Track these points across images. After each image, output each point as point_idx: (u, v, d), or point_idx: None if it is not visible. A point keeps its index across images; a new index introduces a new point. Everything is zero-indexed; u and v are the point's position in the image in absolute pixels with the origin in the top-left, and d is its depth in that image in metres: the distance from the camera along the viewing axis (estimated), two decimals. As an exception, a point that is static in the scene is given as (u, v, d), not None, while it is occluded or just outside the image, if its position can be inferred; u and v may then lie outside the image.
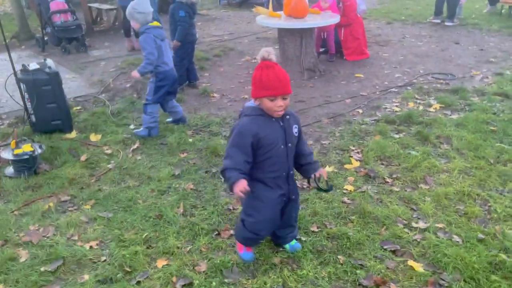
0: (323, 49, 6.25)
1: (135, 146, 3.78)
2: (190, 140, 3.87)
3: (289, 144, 2.12)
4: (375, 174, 3.20)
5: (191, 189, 3.11)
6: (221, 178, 3.22)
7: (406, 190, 3.00)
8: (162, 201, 2.96)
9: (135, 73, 3.71)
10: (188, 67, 5.11)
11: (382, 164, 3.37)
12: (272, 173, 2.13)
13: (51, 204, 2.95)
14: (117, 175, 3.33)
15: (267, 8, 5.82)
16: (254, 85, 2.01)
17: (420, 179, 3.12)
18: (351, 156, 3.46)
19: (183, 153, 3.65)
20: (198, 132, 4.06)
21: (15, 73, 3.77)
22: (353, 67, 5.83)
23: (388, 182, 3.12)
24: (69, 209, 2.94)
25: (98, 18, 9.42)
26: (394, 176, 3.19)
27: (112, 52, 7.10)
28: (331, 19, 5.45)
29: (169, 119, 4.22)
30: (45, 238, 2.62)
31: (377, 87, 5.09)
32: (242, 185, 1.96)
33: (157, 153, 3.67)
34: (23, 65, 3.85)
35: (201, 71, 5.95)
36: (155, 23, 3.71)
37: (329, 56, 6.17)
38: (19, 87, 3.85)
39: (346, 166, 3.34)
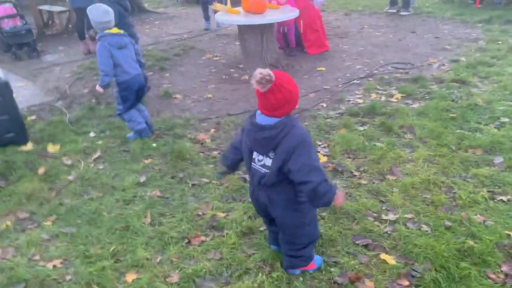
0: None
1: (96, 155, 3.63)
2: (154, 144, 3.76)
3: None
4: (343, 168, 3.21)
5: (158, 196, 3.02)
6: (188, 183, 3.14)
7: (374, 183, 3.03)
8: (128, 211, 2.85)
9: (98, 87, 3.60)
10: None
11: (349, 157, 3.39)
12: None
13: (9, 223, 2.78)
14: (78, 187, 3.18)
15: (225, 4, 5.74)
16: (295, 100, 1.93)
17: (386, 171, 3.16)
18: (318, 152, 3.46)
19: (147, 159, 3.54)
20: (161, 136, 3.94)
21: (-40, 86, 3.54)
22: (315, 61, 5.85)
23: (356, 175, 3.14)
24: (29, 227, 2.78)
25: (50, 21, 9.02)
26: (362, 169, 3.21)
27: (67, 56, 6.81)
28: (290, 13, 5.43)
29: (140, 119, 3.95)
30: (5, 260, 2.47)
31: (339, 79, 5.13)
32: (342, 194, 1.94)
33: (120, 161, 3.54)
34: (-31, 76, 3.61)
35: (161, 71, 5.81)
36: (114, 30, 3.53)
37: (290, 50, 6.16)
38: (-34, 100, 3.61)
39: (314, 162, 3.33)
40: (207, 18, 8.17)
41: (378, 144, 3.52)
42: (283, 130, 1.88)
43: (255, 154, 2.04)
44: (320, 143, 3.61)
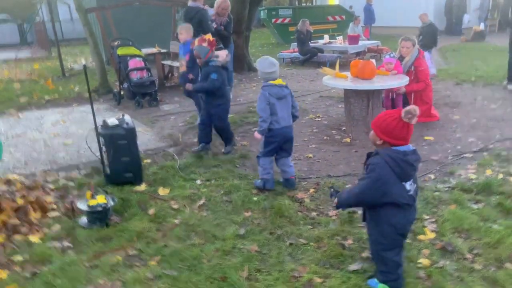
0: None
1: (201, 202, 3.82)
2: (255, 198, 3.85)
3: None
4: (453, 249, 2.96)
5: (255, 251, 3.05)
6: (286, 241, 3.14)
7: (490, 269, 2.73)
8: (227, 262, 2.91)
9: (256, 134, 3.91)
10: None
11: (461, 237, 3.12)
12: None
13: (120, 258, 3.00)
14: (183, 231, 3.35)
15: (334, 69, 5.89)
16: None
17: (505, 258, 2.84)
18: (425, 226, 3.25)
19: (247, 212, 3.63)
20: (262, 190, 4.04)
21: (96, 129, 4.04)
22: (422, 129, 5.64)
23: (468, 258, 2.87)
24: (136, 264, 2.97)
25: (169, 74, 10.04)
26: (475, 252, 2.93)
27: (182, 107, 7.46)
28: (400, 81, 5.39)
29: (281, 178, 4.15)
30: (112, 293, 2.64)
31: (449, 151, 4.86)
32: None
33: (222, 211, 3.67)
34: (103, 121, 4.11)
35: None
36: (277, 81, 3.81)
37: (397, 117, 6.03)
38: (98, 141, 4.10)
39: (420, 237, 3.13)
40: None
41: (495, 226, 3.20)
42: None
43: (408, 185, 2.35)
44: (427, 217, 3.39)
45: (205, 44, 4.61)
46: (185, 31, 5.86)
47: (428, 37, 9.48)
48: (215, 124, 4.93)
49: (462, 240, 3.08)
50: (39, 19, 20.95)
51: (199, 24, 6.69)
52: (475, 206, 3.53)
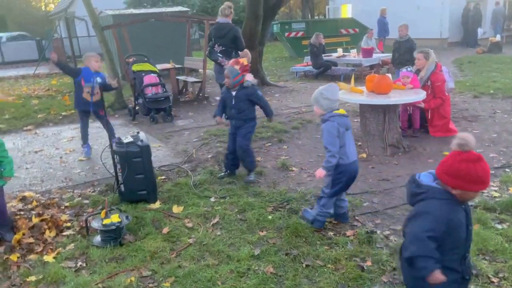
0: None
1: (215, 221, 3.77)
2: (270, 217, 3.78)
3: (470, 227, 2.09)
4: (477, 271, 2.84)
5: (271, 273, 2.97)
6: (302, 263, 3.06)
7: (517, 294, 2.61)
8: (242, 285, 2.84)
9: (320, 172, 3.33)
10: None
11: (485, 259, 3.00)
12: (451, 256, 2.05)
13: (133, 279, 2.95)
14: (197, 251, 3.29)
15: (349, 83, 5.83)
16: (464, 179, 1.95)
17: (534, 282, 2.71)
18: (447, 247, 3.13)
19: (262, 231, 3.56)
20: (277, 208, 3.97)
21: (111, 146, 4.04)
22: (440, 144, 5.52)
23: (493, 282, 2.75)
24: (150, 285, 2.92)
25: (184, 90, 10.10)
26: (501, 275, 2.81)
27: (196, 122, 7.46)
28: (416, 96, 5.30)
29: (331, 211, 3.66)
30: (125, 316, 2.59)
31: (469, 167, 4.72)
32: (439, 277, 1.95)
33: (236, 230, 3.61)
34: (118, 138, 4.12)
35: (279, 143, 6.00)
36: (341, 111, 3.41)
37: (413, 130, 5.93)
38: (113, 159, 4.09)
39: (442, 258, 3.01)
40: None
41: (521, 247, 3.07)
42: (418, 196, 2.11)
43: None
44: (449, 238, 3.27)
45: (237, 67, 4.60)
46: (95, 60, 5.49)
47: (405, 54, 8.39)
48: (239, 144, 4.60)
49: (487, 262, 2.96)
50: (57, 35, 21.43)
51: (233, 40, 6.68)
52: (499, 226, 3.40)
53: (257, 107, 4.67)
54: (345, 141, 3.37)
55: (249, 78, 4.61)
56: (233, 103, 4.55)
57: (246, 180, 4.64)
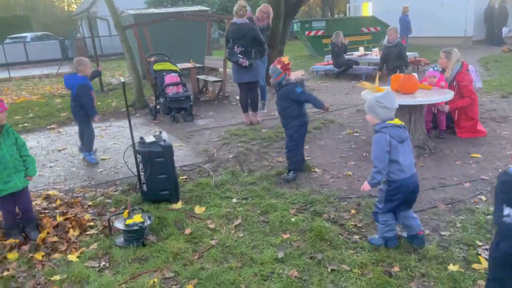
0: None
1: (237, 222, 3.72)
2: (293, 219, 3.71)
3: None
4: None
5: (295, 277, 2.91)
6: (327, 267, 2.99)
7: (556, 306, 2.47)
8: (266, 288, 2.79)
9: (366, 186, 3.09)
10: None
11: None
12: None
13: (156, 280, 2.93)
14: (219, 253, 3.25)
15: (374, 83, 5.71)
16: None
17: None
18: (479, 254, 3.01)
19: (285, 234, 3.49)
20: (301, 211, 3.90)
21: (133, 146, 4.03)
22: (468, 146, 5.36)
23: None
24: (173, 287, 2.89)
25: (204, 89, 10.10)
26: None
27: (216, 121, 7.44)
28: (443, 95, 5.14)
29: (404, 233, 3.33)
30: (148, 318, 2.57)
31: (499, 170, 4.55)
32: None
33: (259, 232, 3.55)
34: (141, 138, 4.11)
35: (301, 144, 5.91)
36: (396, 121, 3.06)
37: (440, 131, 5.78)
38: (136, 158, 4.09)
39: (474, 265, 2.90)
40: None
41: (558, 256, 2.93)
42: None
43: (507, 210, 2.09)
44: (480, 244, 3.15)
45: (279, 66, 4.62)
46: (84, 67, 5.38)
47: (397, 60, 8.24)
48: (285, 145, 4.77)
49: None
50: (79, 35, 21.78)
51: (253, 40, 6.64)
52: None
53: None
54: (399, 155, 3.01)
55: (295, 75, 4.66)
56: (276, 101, 4.76)
57: (282, 177, 4.70)
